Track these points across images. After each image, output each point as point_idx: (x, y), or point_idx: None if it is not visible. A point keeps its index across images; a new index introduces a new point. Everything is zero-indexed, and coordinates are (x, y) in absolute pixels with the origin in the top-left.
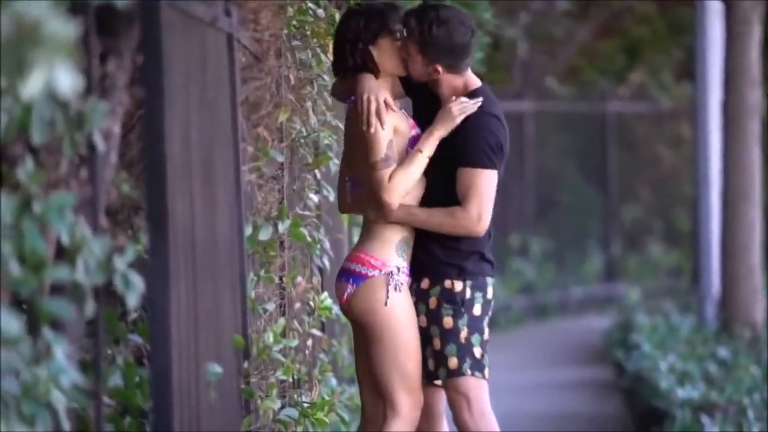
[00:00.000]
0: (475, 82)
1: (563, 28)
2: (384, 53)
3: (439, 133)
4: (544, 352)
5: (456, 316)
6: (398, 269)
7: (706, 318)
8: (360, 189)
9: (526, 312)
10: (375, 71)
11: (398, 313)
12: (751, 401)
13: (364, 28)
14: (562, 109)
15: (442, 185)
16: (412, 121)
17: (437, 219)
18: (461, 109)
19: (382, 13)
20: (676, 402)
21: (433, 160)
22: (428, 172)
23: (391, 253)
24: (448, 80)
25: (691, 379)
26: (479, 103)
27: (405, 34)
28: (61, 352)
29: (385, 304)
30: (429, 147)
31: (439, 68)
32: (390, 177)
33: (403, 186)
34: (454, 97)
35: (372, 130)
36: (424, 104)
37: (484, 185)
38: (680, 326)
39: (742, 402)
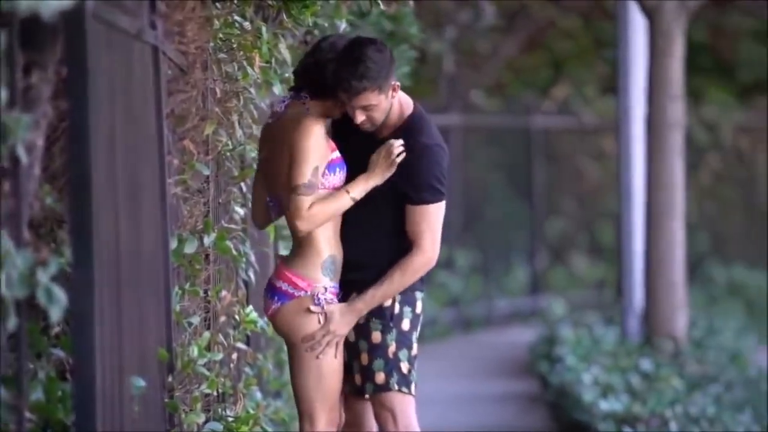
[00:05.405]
0: (408, 102)
1: (489, 43)
2: None
3: (374, 181)
4: (471, 365)
5: (384, 331)
6: (325, 289)
7: (630, 331)
8: (280, 211)
9: (452, 325)
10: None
11: None
12: (673, 413)
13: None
14: (488, 123)
15: (388, 211)
16: (332, 144)
17: (402, 279)
18: (394, 158)
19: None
20: (599, 415)
21: (377, 191)
22: (366, 201)
23: (317, 273)
24: (397, 98)
25: (615, 391)
26: (401, 146)
27: (354, 95)
28: None
29: (313, 322)
30: (358, 192)
31: (396, 84)
32: (311, 206)
33: (321, 220)
34: (390, 143)
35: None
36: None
37: (435, 218)
38: (604, 339)
39: (665, 414)
